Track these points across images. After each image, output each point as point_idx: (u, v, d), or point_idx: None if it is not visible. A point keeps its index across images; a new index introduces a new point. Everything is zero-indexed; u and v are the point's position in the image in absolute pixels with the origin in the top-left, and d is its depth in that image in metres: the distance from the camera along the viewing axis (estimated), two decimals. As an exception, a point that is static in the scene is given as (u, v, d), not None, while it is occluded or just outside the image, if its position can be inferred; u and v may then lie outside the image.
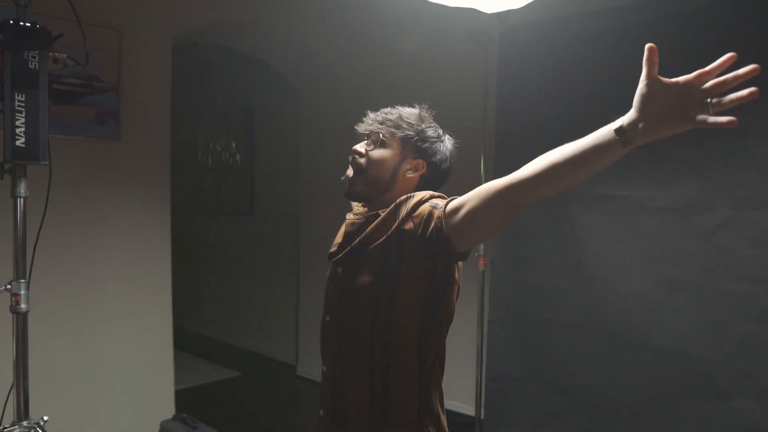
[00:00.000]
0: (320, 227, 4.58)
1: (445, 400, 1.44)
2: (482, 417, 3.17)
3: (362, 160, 1.40)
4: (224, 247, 5.69)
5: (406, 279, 1.25)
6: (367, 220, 1.36)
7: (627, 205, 2.62)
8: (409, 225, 1.24)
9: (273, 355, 5.16)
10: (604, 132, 0.99)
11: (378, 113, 1.45)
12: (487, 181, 1.22)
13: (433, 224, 1.20)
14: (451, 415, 3.85)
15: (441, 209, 1.20)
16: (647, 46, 0.94)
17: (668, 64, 2.58)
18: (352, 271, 1.33)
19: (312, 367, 4.67)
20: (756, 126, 2.35)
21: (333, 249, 1.45)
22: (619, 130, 0.96)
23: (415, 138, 1.41)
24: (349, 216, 1.47)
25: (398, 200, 1.32)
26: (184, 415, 3.16)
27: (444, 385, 1.44)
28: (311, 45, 4.13)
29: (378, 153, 1.40)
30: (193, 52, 4.74)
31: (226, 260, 5.67)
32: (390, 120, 1.42)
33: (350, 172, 1.44)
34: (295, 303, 4.89)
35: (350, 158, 1.44)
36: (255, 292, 5.38)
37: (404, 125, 1.41)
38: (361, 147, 1.43)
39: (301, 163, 4.73)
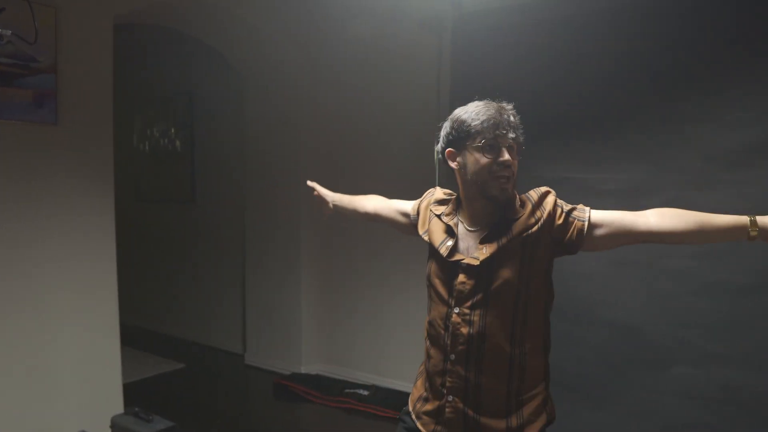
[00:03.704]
0: (267, 213, 4.51)
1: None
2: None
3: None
4: (164, 235, 5.51)
5: (538, 268, 1.49)
6: (504, 220, 1.50)
7: (581, 188, 2.75)
8: (548, 228, 1.47)
9: (219, 345, 5.06)
10: (739, 227, 1.34)
11: (509, 117, 1.49)
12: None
13: (575, 232, 1.46)
14: (406, 396, 3.92)
15: (585, 222, 1.46)
16: None
17: (626, 52, 2.73)
18: (495, 266, 1.47)
19: (260, 355, 4.63)
20: (698, 114, 2.52)
21: (444, 250, 1.55)
22: (751, 235, 1.33)
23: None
24: (451, 216, 1.60)
25: (534, 201, 1.51)
26: (137, 409, 3.06)
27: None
28: (256, 28, 4.04)
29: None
30: (129, 34, 4.52)
31: (167, 249, 5.49)
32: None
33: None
34: (241, 292, 4.81)
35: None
36: (198, 281, 5.25)
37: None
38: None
39: (246, 149, 4.63)
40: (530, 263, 1.47)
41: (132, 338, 4.98)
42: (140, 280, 5.55)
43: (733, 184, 2.47)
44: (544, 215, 1.47)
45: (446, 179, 3.17)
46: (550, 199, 1.50)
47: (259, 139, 4.53)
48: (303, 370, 4.37)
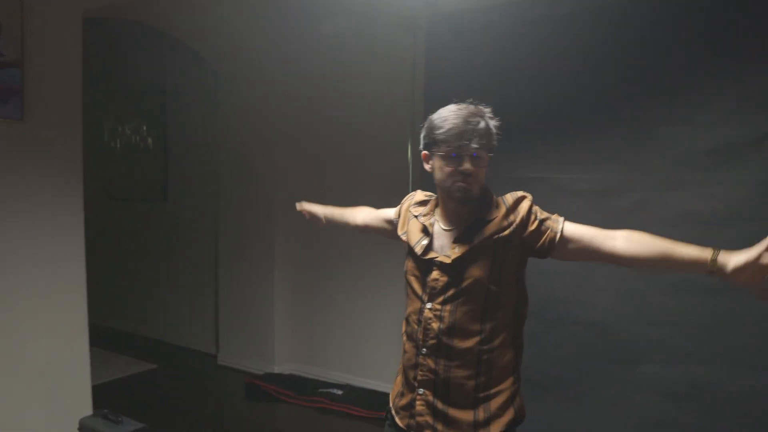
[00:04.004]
0: (240, 212, 4.47)
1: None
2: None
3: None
4: (136, 234, 5.41)
5: (509, 269, 1.55)
6: (478, 221, 1.55)
7: (553, 188, 2.77)
8: (520, 232, 1.52)
9: (192, 345, 5.00)
10: (699, 264, 1.32)
11: (476, 125, 1.51)
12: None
13: (546, 241, 1.51)
14: (380, 395, 3.92)
15: (557, 233, 1.51)
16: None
17: (597, 54, 2.76)
18: (466, 265, 1.53)
19: (233, 355, 4.58)
20: (668, 116, 2.56)
21: (419, 248, 1.62)
22: (710, 272, 1.31)
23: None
24: (428, 218, 1.66)
25: (508, 205, 1.55)
26: (105, 411, 3.00)
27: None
28: (231, 24, 3.99)
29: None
30: (100, 28, 4.42)
31: (139, 248, 5.39)
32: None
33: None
34: (214, 291, 4.76)
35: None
36: (171, 281, 5.18)
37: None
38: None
39: (220, 147, 4.58)
40: (501, 264, 1.53)
41: (103, 339, 4.90)
42: (111, 279, 5.46)
43: (702, 185, 2.51)
44: (518, 220, 1.52)
45: (420, 178, 3.17)
46: (525, 205, 1.54)
47: (233, 138, 4.48)
48: (276, 369, 4.34)
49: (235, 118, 4.45)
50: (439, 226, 1.62)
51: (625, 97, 2.67)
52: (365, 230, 2.01)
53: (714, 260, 1.29)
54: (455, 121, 1.48)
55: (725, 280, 1.29)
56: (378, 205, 2.00)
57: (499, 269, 1.52)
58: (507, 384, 1.59)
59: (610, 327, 2.71)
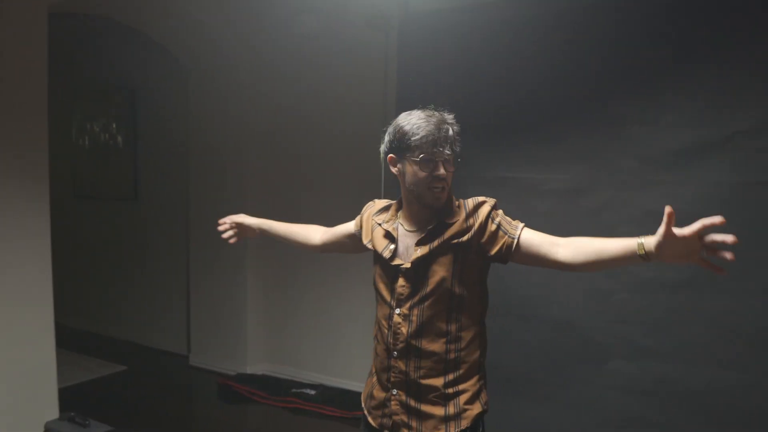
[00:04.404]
0: (212, 211, 4.41)
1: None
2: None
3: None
4: (106, 233, 5.31)
5: (470, 272, 1.60)
6: (440, 224, 1.59)
7: (522, 187, 2.80)
8: (478, 237, 1.56)
9: (163, 346, 4.92)
10: (630, 253, 1.33)
11: (447, 132, 1.57)
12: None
13: (503, 247, 1.55)
14: (353, 395, 3.92)
15: (514, 239, 1.54)
16: (667, 211, 1.21)
17: (565, 55, 2.79)
18: (428, 268, 1.58)
19: (206, 356, 4.53)
20: (634, 117, 2.61)
21: (387, 253, 1.66)
22: (643, 257, 1.31)
23: None
24: (392, 223, 1.70)
25: (468, 209, 1.60)
26: (72, 414, 2.95)
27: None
28: (202, 22, 3.95)
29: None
30: (67, 22, 4.34)
31: (108, 248, 5.29)
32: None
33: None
34: (185, 291, 4.70)
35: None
36: (141, 280, 5.09)
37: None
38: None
39: (191, 145, 4.53)
40: (462, 267, 1.58)
41: (72, 341, 4.81)
42: (80, 279, 5.35)
43: (667, 185, 2.57)
44: (476, 224, 1.57)
45: (392, 179, 3.17)
46: (485, 209, 1.58)
47: (205, 135, 4.43)
48: (249, 370, 4.31)
49: (207, 117, 4.40)
50: (403, 228, 1.67)
51: (594, 98, 2.72)
52: (323, 250, 2.03)
53: (641, 244, 1.30)
54: (429, 128, 1.53)
55: (663, 261, 1.30)
56: (351, 205, 2.00)
57: (460, 272, 1.58)
58: (474, 380, 1.65)
59: (578, 325, 2.76)
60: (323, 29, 3.77)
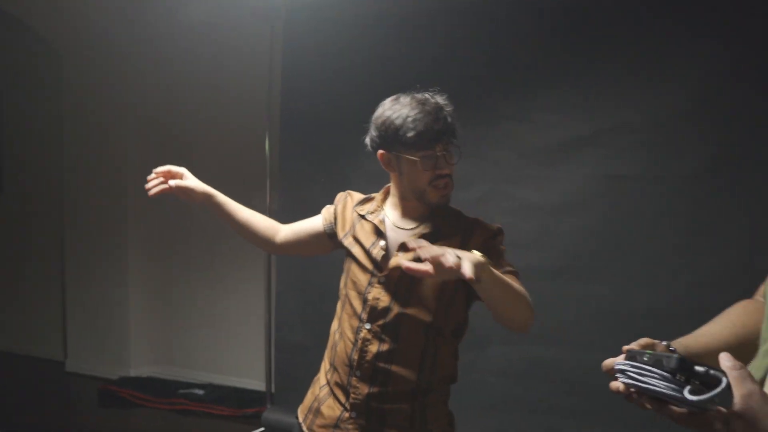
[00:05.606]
0: (89, 206, 4.16)
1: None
2: (273, 391, 3.22)
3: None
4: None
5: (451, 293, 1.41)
6: (434, 232, 1.42)
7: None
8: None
9: (36, 353, 4.58)
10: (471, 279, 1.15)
11: (446, 119, 1.39)
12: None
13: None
14: (242, 392, 3.84)
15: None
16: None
17: (448, 52, 2.86)
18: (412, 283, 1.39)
19: (85, 361, 4.26)
20: (513, 113, 2.73)
21: (377, 252, 1.44)
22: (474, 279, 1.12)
23: None
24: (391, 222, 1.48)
25: (466, 223, 1.45)
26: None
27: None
28: (77, 4, 3.68)
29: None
30: None
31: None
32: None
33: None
34: (60, 293, 4.39)
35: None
36: (9, 282, 4.70)
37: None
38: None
39: (65, 135, 4.22)
40: (456, 284, 1.36)
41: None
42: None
43: (542, 179, 2.73)
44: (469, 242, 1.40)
45: (278, 171, 3.12)
46: (481, 236, 1.42)
47: (81, 125, 4.16)
48: (133, 373, 4.10)
49: (83, 104, 4.13)
50: (390, 222, 1.47)
51: (473, 94, 2.81)
52: (280, 251, 1.70)
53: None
54: (426, 121, 1.33)
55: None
56: (237, 199, 1.68)
57: (453, 290, 1.39)
58: (443, 403, 1.50)
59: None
60: (207, 18, 3.63)
